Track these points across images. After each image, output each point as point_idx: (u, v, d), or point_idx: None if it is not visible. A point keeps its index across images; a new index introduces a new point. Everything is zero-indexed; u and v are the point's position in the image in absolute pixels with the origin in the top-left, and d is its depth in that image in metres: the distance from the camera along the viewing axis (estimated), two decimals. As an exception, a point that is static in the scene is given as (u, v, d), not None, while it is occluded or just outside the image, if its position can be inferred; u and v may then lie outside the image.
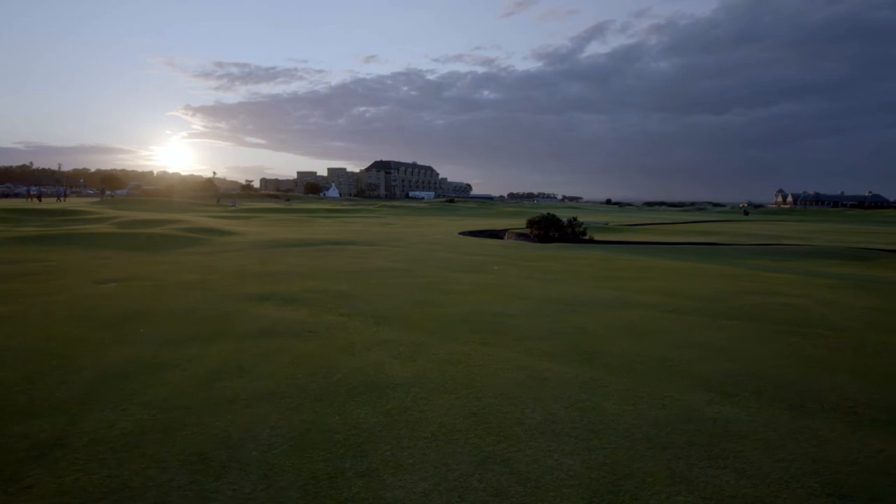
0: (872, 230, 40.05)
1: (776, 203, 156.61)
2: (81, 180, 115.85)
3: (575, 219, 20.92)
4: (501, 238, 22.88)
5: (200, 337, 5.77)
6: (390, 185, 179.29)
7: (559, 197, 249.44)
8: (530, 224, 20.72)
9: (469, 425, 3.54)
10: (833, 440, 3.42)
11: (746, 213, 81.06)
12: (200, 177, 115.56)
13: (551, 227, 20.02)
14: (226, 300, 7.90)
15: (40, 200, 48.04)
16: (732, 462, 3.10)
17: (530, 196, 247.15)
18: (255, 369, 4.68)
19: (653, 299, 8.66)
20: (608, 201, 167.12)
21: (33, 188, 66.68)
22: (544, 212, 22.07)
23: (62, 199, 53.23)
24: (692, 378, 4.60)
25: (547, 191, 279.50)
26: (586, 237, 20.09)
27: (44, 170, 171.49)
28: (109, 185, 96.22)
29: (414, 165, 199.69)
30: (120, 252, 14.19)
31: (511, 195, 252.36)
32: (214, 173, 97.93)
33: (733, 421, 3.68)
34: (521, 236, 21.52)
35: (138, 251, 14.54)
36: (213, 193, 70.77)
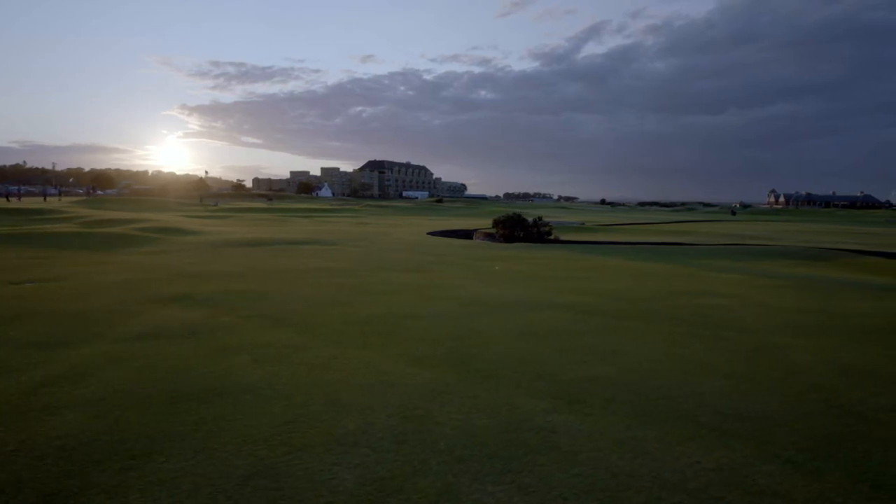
0: (855, 230, 39.99)
1: (769, 203, 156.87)
2: (71, 179, 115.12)
3: (540, 218, 20.74)
4: (472, 238, 22.67)
5: (73, 340, 5.55)
6: (384, 184, 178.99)
7: (555, 197, 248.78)
8: (496, 223, 20.53)
9: (272, 435, 3.34)
10: (651, 452, 3.23)
11: (734, 213, 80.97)
12: (195, 176, 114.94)
13: (517, 226, 19.84)
14: (135, 301, 7.67)
15: (8, 200, 47.45)
16: (523, 476, 2.89)
17: (526, 196, 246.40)
18: (99, 374, 4.47)
19: (578, 300, 8.47)
20: (602, 201, 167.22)
21: (16, 187, 66.14)
22: (510, 211, 21.89)
23: (48, 198, 52.72)
24: (552, 384, 4.40)
25: (544, 191, 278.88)
26: (552, 237, 19.92)
27: (36, 169, 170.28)
28: (100, 184, 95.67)
29: (408, 165, 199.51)
30: (65, 251, 13.94)
31: (507, 195, 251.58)
32: (206, 173, 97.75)
33: (559, 431, 3.48)
34: (489, 236, 21.34)
35: (85, 251, 14.29)
36: (200, 193, 70.40)
